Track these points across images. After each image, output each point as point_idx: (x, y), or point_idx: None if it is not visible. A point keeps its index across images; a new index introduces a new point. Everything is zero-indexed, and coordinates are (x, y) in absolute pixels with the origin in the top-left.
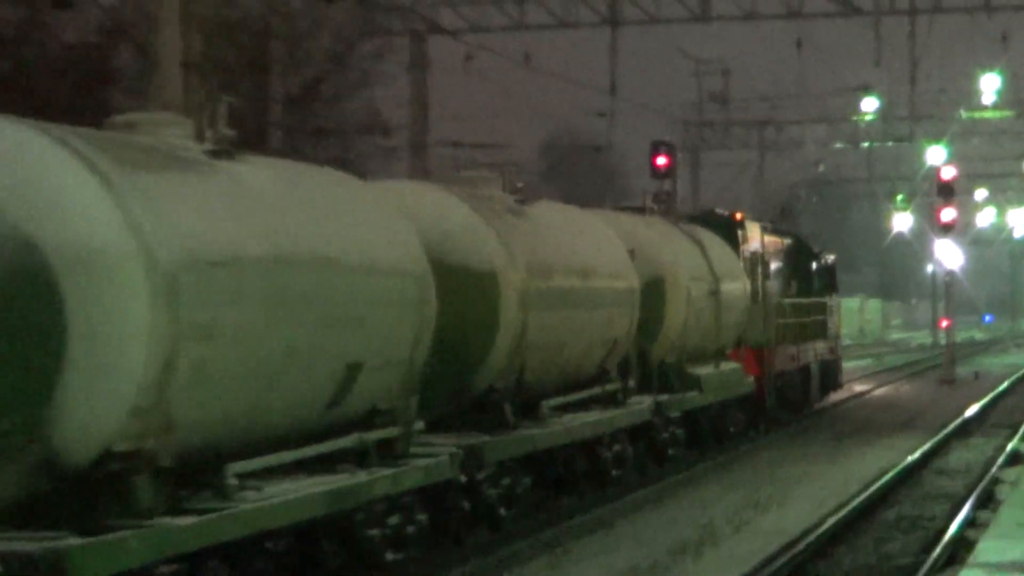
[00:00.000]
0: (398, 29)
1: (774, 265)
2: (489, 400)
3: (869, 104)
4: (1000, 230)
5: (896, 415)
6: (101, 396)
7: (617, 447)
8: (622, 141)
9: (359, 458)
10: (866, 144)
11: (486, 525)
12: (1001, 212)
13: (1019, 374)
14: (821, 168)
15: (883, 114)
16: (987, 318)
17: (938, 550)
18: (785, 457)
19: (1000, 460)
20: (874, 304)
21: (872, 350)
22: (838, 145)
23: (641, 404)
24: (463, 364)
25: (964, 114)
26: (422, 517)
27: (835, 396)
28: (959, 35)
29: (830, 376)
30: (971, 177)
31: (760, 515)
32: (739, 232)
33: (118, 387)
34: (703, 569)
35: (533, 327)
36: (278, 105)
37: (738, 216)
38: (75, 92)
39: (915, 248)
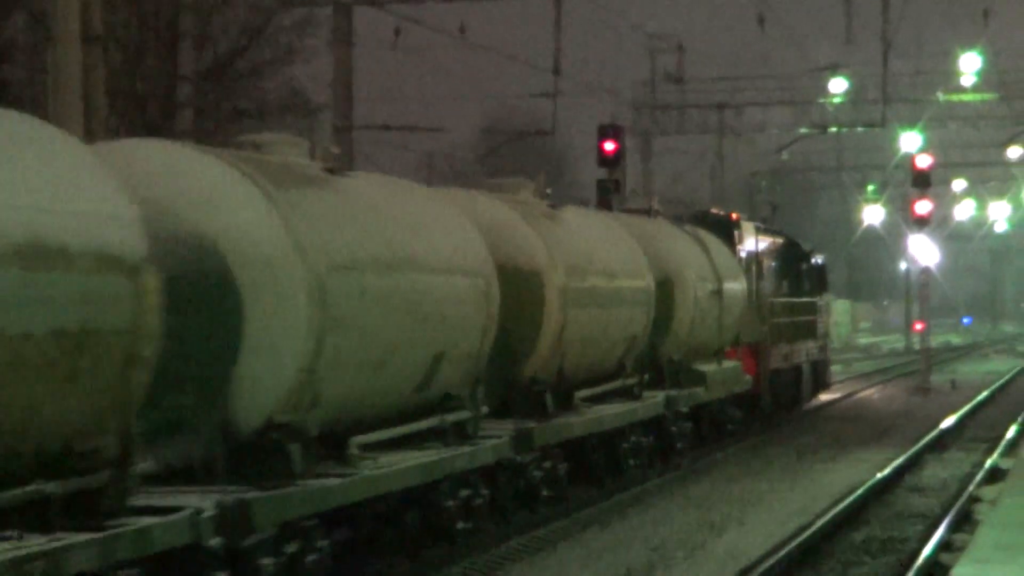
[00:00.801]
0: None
1: (767, 265)
2: (532, 390)
3: (838, 86)
4: (980, 224)
5: (866, 427)
6: (269, 375)
7: (634, 439)
8: (567, 124)
9: (436, 437)
10: (834, 129)
11: (526, 505)
12: (981, 205)
13: (1000, 382)
14: (785, 155)
15: (853, 97)
16: (965, 321)
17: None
18: (744, 472)
19: (978, 477)
20: (842, 305)
21: (840, 355)
22: (803, 130)
23: (655, 398)
24: (512, 356)
25: (941, 97)
26: (486, 492)
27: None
28: (936, 11)
29: (820, 376)
30: (949, 166)
31: (716, 536)
32: (735, 232)
33: (282, 368)
34: None
35: (571, 323)
36: (188, 83)
37: (734, 216)
38: None
39: (887, 243)
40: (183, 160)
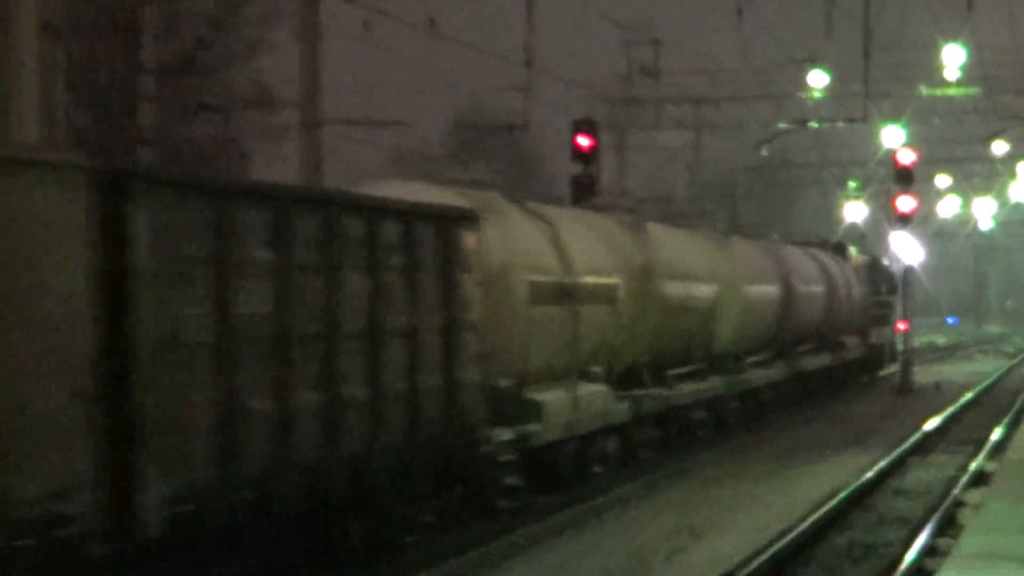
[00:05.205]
0: None
1: (862, 274)
2: (725, 357)
3: (818, 79)
4: (965, 222)
5: (847, 429)
6: (725, 332)
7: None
8: (540, 120)
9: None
10: (815, 124)
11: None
12: (966, 202)
13: (985, 383)
14: (765, 151)
15: (834, 91)
16: (950, 320)
17: None
18: (723, 476)
19: (963, 480)
20: None
21: None
22: (783, 125)
23: (826, 358)
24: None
25: (924, 91)
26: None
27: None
28: (919, 1)
29: (891, 352)
30: (932, 162)
31: (695, 542)
32: (844, 253)
33: (729, 329)
34: None
35: (793, 313)
36: (150, 76)
37: (842, 244)
38: None
39: (870, 241)
40: None
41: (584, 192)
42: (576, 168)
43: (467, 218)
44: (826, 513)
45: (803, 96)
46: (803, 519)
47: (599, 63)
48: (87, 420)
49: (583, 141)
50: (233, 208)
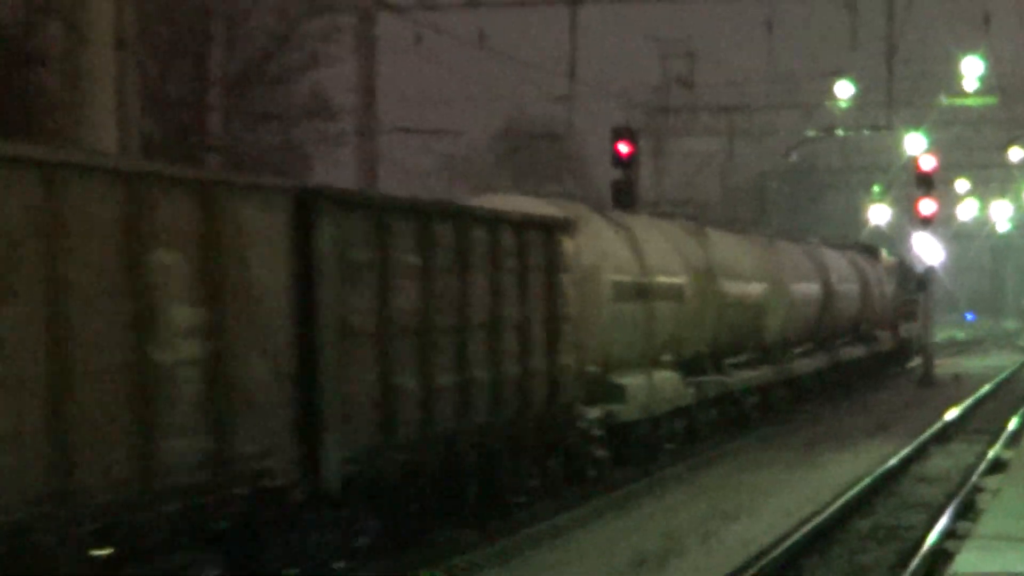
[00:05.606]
0: (345, 7)
1: (892, 275)
2: (774, 346)
3: (844, 90)
4: (983, 224)
5: (872, 419)
6: (774, 325)
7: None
8: (582, 127)
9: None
10: (841, 132)
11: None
12: (983, 205)
13: (1001, 376)
14: (793, 157)
15: (859, 100)
16: (969, 317)
17: (915, 562)
18: (755, 463)
19: (981, 467)
20: None
21: None
22: (811, 133)
23: (861, 348)
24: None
25: (945, 100)
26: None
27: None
28: (939, 16)
29: (916, 346)
30: (952, 168)
31: (728, 524)
32: (876, 254)
33: (778, 321)
34: None
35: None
36: (217, 88)
37: (874, 246)
38: None
39: (893, 242)
40: None
41: (624, 196)
42: (616, 173)
43: (566, 226)
44: (852, 498)
45: (829, 105)
46: (830, 504)
47: (637, 74)
48: (286, 394)
49: (623, 147)
50: (390, 220)
